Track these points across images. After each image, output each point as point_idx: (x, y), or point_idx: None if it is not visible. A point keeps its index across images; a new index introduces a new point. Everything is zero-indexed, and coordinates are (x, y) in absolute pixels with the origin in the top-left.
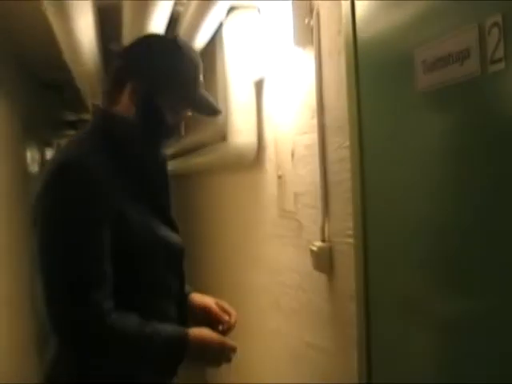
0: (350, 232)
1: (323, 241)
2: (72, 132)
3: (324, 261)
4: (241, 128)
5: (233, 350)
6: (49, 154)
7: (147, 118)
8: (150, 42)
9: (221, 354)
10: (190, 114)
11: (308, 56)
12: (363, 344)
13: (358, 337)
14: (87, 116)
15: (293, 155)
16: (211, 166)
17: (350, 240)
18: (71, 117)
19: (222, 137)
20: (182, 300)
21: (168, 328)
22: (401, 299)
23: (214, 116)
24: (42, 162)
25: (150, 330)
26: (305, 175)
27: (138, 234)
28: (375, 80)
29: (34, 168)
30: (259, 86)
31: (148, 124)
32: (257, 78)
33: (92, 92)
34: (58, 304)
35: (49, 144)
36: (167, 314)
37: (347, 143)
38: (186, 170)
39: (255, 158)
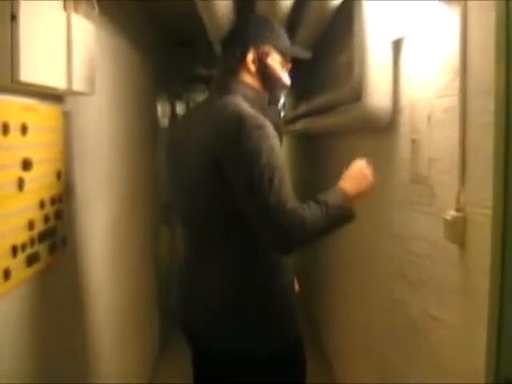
0: (489, 203)
1: (457, 210)
2: (202, 86)
3: (457, 231)
4: (376, 89)
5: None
6: (179, 107)
7: (269, 79)
8: (245, 20)
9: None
10: (290, 64)
11: (453, 13)
12: (495, 323)
13: (490, 315)
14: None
15: (429, 119)
16: (344, 126)
17: (488, 211)
18: (202, 72)
19: (357, 97)
20: None
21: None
22: None
23: (306, 58)
24: (173, 114)
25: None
26: (441, 140)
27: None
28: None
29: (164, 121)
30: (398, 45)
31: (271, 84)
32: (396, 37)
33: None
34: (277, 213)
35: (179, 98)
36: None
37: (492, 107)
38: (319, 130)
39: (389, 121)
